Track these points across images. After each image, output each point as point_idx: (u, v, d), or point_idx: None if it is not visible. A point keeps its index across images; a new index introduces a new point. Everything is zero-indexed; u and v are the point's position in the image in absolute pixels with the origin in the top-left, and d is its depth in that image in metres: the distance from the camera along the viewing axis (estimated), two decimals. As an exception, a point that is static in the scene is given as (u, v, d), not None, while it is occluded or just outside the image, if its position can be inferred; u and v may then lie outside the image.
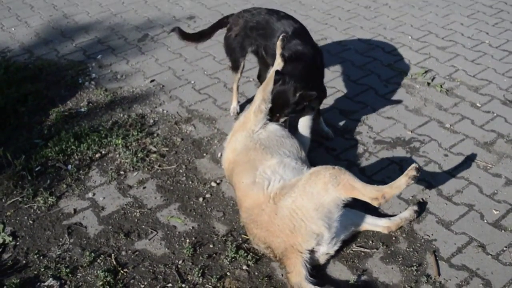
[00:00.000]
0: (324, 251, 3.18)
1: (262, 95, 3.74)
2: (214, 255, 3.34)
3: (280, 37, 3.82)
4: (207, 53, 5.69)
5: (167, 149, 4.27)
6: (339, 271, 3.23)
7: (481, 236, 3.44)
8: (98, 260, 3.30)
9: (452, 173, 3.98)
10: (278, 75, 3.69)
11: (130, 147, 4.25)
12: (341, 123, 4.56)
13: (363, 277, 3.19)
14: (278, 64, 3.81)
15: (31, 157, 4.08)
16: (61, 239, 3.46)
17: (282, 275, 3.16)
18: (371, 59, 5.54)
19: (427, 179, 3.91)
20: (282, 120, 3.83)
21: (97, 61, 5.57)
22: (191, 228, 3.54)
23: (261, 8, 4.36)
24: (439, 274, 3.19)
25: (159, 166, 4.09)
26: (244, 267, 3.25)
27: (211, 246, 3.41)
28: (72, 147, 4.19)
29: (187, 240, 3.44)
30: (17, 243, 3.43)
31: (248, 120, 3.74)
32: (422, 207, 3.63)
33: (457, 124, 4.52)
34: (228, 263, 3.27)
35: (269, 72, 4.06)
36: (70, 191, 3.86)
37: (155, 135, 4.42)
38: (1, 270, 3.24)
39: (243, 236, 3.45)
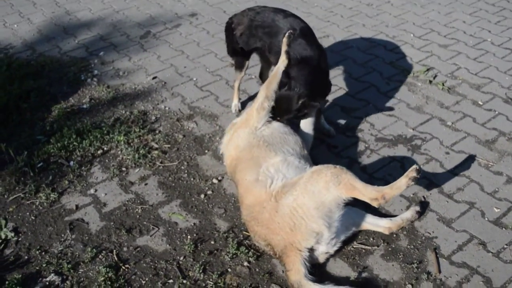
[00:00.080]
0: (323, 250, 3.18)
1: (265, 93, 3.74)
2: (215, 251, 3.35)
3: (287, 33, 3.80)
4: (209, 50, 5.69)
5: (169, 145, 4.28)
6: (339, 268, 3.24)
7: (482, 233, 3.45)
8: (100, 256, 3.31)
9: (453, 171, 3.98)
10: (285, 78, 3.69)
11: (132, 144, 4.26)
12: (343, 121, 4.56)
13: (364, 274, 3.20)
14: (283, 61, 3.78)
15: (33, 153, 4.10)
16: (63, 235, 3.47)
17: (283, 271, 3.17)
18: (373, 56, 5.54)
19: (429, 177, 3.91)
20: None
21: (99, 58, 5.58)
22: (192, 224, 3.56)
23: (266, 6, 4.34)
24: (439, 272, 3.19)
25: (161, 162, 4.10)
26: (245, 263, 3.26)
27: (212, 242, 3.42)
28: (74, 143, 4.21)
29: (189, 237, 3.45)
30: (19, 239, 3.44)
31: (251, 117, 3.74)
32: (424, 207, 3.62)
33: (459, 122, 4.52)
34: (229, 259, 3.28)
35: (272, 70, 4.06)
36: (72, 187, 3.87)
37: (157, 131, 4.43)
38: (3, 266, 3.25)
39: (244, 232, 3.46)
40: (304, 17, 4.63)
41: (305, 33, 4.00)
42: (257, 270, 3.23)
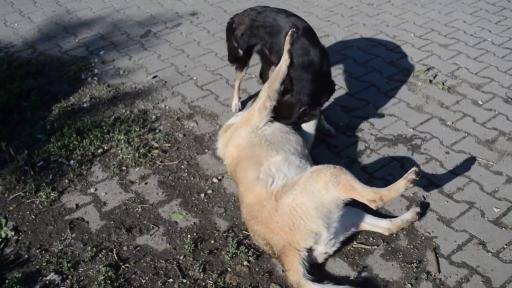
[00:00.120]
0: (322, 250, 3.18)
1: (267, 92, 3.75)
2: (215, 250, 3.35)
3: (290, 32, 3.80)
4: (209, 49, 5.69)
5: (169, 145, 4.28)
6: (339, 268, 3.24)
7: (481, 233, 3.45)
8: (100, 255, 3.32)
9: (453, 170, 3.99)
10: (289, 83, 3.71)
11: (132, 143, 4.26)
12: (343, 120, 4.57)
13: (364, 274, 3.20)
14: (285, 60, 3.77)
15: (33, 152, 4.10)
16: (63, 234, 3.48)
17: (283, 271, 3.17)
18: (373, 56, 5.54)
19: (428, 177, 3.91)
20: None
21: (99, 57, 5.58)
22: (192, 223, 3.56)
23: (267, 6, 4.34)
24: (439, 271, 3.20)
25: (161, 162, 4.10)
26: (245, 263, 3.26)
27: (212, 241, 3.42)
28: (75, 142, 4.21)
29: (189, 236, 3.46)
30: (19, 238, 3.45)
31: (252, 117, 3.75)
32: (424, 209, 3.62)
33: (459, 122, 4.52)
34: (229, 258, 3.29)
35: (272, 69, 4.06)
36: (72, 186, 3.87)
37: (157, 131, 4.43)
38: (3, 265, 3.26)
39: (244, 232, 3.46)
40: (305, 16, 4.64)
41: (308, 33, 3.97)
42: (256, 269, 3.23)
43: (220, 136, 4.03)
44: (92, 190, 3.84)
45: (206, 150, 4.22)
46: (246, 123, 3.77)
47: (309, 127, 4.03)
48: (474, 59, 5.47)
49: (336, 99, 4.85)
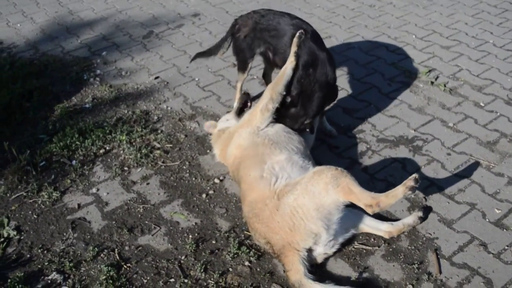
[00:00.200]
0: (321, 251, 3.18)
1: (271, 94, 3.75)
2: (217, 251, 3.36)
3: (297, 34, 3.79)
4: (211, 50, 5.69)
5: (171, 145, 4.29)
6: (340, 268, 3.24)
7: (482, 235, 3.45)
8: (102, 255, 3.32)
9: (454, 172, 3.99)
10: (295, 93, 3.74)
11: (134, 143, 4.27)
12: (345, 121, 4.57)
13: (365, 274, 3.20)
14: (291, 62, 3.78)
15: (36, 152, 4.11)
16: (65, 234, 3.49)
17: (284, 271, 3.17)
18: (375, 57, 5.55)
19: (430, 178, 3.92)
20: None
21: (102, 57, 5.59)
22: (194, 224, 3.57)
23: (271, 9, 4.34)
24: (440, 272, 3.20)
25: (163, 162, 4.11)
26: (246, 263, 3.27)
27: (213, 242, 3.43)
28: (77, 142, 4.22)
29: (190, 236, 3.46)
30: (21, 237, 3.46)
31: (254, 118, 3.75)
32: (426, 213, 3.61)
33: (460, 123, 4.53)
34: (230, 259, 3.29)
35: (275, 71, 4.05)
36: (74, 186, 3.88)
37: (159, 131, 4.44)
38: (5, 264, 3.27)
39: (245, 232, 3.47)
40: (307, 18, 4.64)
41: (314, 38, 3.95)
42: (258, 269, 3.23)
43: (214, 143, 4.04)
44: (94, 190, 3.85)
45: (208, 151, 4.23)
46: (247, 124, 3.77)
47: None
48: (476, 61, 5.47)
49: (338, 100, 4.82)
